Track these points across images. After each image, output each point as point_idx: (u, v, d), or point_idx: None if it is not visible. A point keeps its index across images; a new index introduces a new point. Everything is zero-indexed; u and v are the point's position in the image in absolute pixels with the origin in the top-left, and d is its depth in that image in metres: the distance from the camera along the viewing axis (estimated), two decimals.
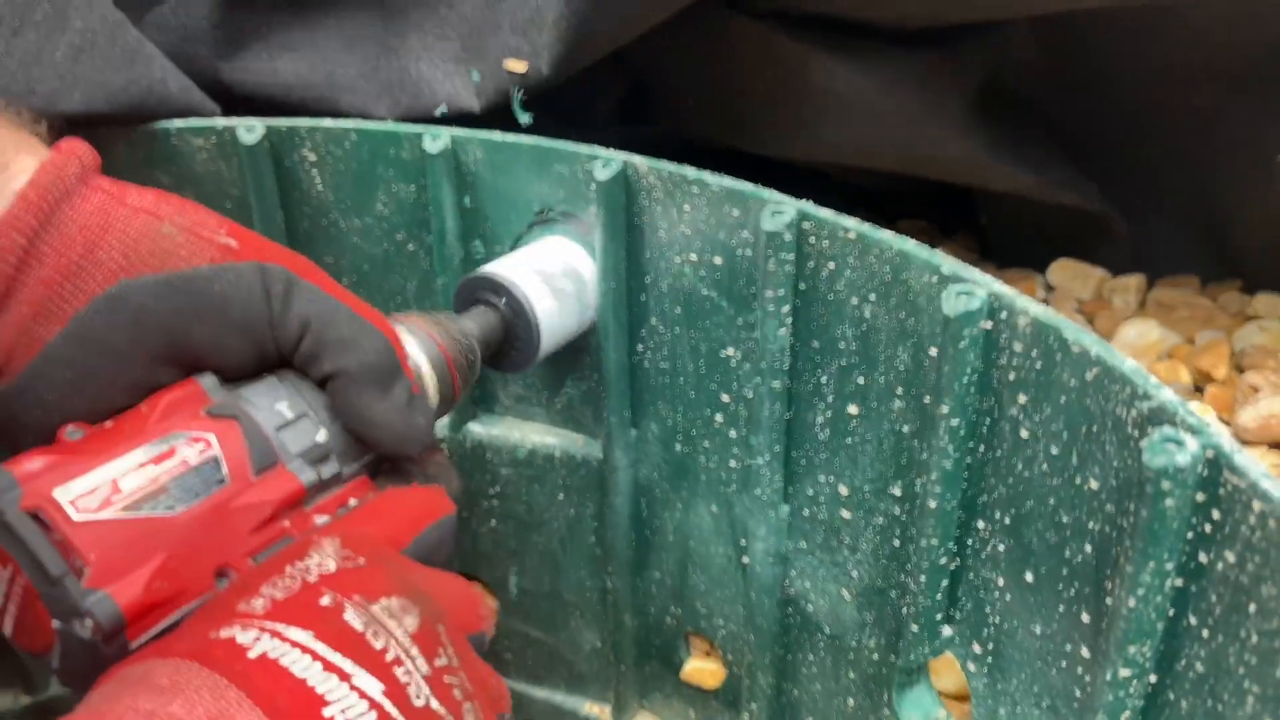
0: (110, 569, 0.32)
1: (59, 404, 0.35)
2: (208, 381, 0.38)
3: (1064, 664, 0.37)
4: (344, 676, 0.30)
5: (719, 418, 0.50)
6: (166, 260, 0.36)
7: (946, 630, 0.43)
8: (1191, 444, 0.29)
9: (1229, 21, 0.64)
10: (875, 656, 0.48)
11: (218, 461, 0.35)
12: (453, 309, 0.49)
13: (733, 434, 0.50)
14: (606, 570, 0.58)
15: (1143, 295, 0.75)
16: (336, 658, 0.31)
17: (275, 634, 0.31)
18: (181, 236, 0.36)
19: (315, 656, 0.30)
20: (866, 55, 0.63)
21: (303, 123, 0.52)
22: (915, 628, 0.43)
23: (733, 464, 0.50)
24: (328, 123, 0.52)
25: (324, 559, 0.34)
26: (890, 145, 0.66)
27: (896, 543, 0.44)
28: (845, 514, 0.46)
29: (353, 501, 0.39)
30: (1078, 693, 0.36)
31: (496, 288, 0.48)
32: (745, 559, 0.51)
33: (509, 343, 0.48)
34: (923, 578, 0.42)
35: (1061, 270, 0.78)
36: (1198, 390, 0.66)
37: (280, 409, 0.38)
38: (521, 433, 0.57)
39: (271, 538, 0.36)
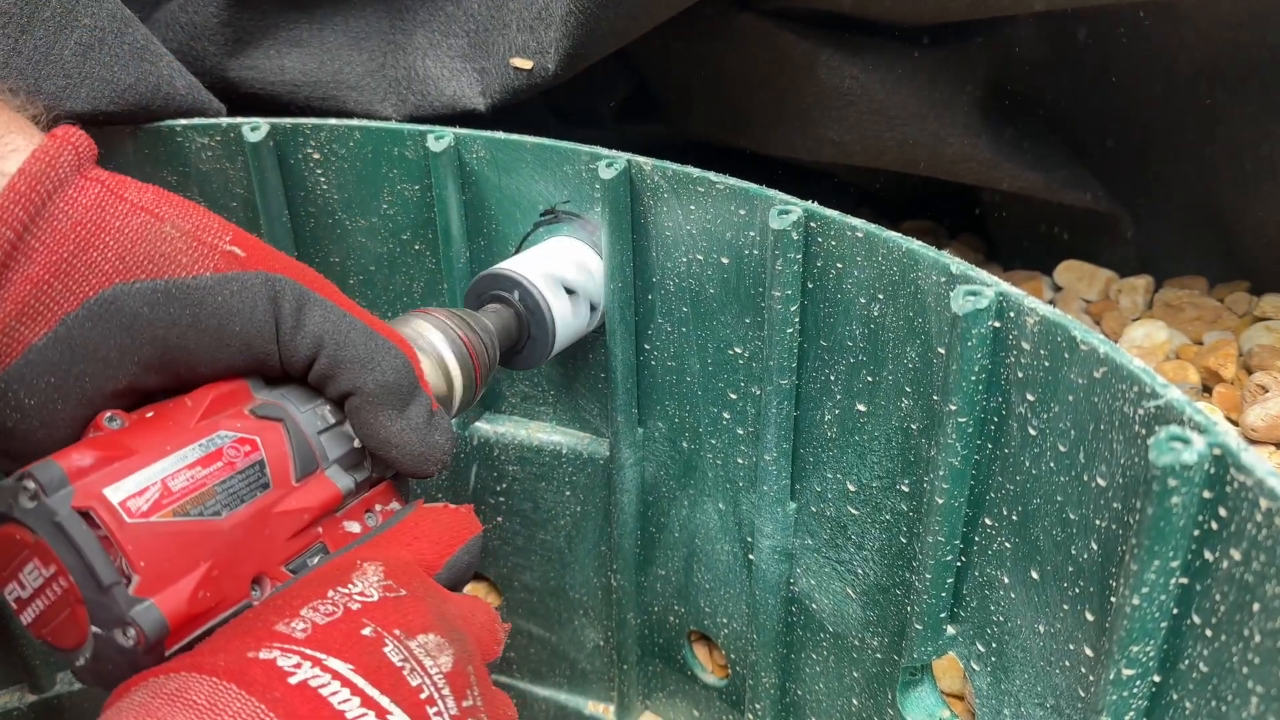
0: (158, 577, 0.31)
1: (38, 409, 0.33)
2: (251, 378, 0.37)
3: (1067, 664, 0.37)
4: (381, 714, 0.30)
5: (726, 415, 0.50)
6: (165, 265, 0.33)
7: (950, 629, 0.43)
8: (1198, 442, 0.29)
9: (1235, 21, 0.63)
10: (879, 656, 0.48)
11: (262, 465, 0.35)
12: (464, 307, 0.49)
13: (740, 431, 0.50)
14: (611, 568, 0.58)
15: (1150, 296, 0.75)
16: (375, 693, 0.30)
17: (316, 662, 0.30)
18: (183, 240, 0.34)
19: (354, 690, 0.30)
20: (874, 53, 0.63)
21: (307, 121, 0.52)
22: (919, 626, 0.43)
23: (740, 461, 0.50)
24: (332, 121, 0.52)
25: (367, 587, 0.33)
26: (897, 144, 0.66)
27: (903, 540, 0.44)
28: (853, 510, 0.46)
29: (379, 506, 0.39)
30: (1081, 693, 0.36)
31: (511, 285, 0.48)
32: (751, 556, 0.51)
33: (522, 340, 0.48)
34: (928, 575, 0.41)
35: (1068, 271, 0.78)
36: (1206, 390, 0.66)
37: (323, 412, 0.38)
38: (528, 431, 0.57)
39: (306, 544, 0.36)
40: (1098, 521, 0.34)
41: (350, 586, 0.33)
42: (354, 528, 0.38)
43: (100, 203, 0.33)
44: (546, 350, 0.48)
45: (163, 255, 0.33)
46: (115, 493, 0.31)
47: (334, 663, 0.30)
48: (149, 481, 0.32)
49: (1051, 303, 0.77)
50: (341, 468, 0.37)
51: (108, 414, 0.34)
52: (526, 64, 0.58)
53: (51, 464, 0.31)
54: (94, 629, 0.31)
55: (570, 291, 0.48)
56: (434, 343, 0.42)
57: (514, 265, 0.48)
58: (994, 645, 0.41)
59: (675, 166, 0.46)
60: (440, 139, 0.50)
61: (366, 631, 0.32)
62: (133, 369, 0.34)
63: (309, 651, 0.30)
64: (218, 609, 0.33)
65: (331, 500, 0.37)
